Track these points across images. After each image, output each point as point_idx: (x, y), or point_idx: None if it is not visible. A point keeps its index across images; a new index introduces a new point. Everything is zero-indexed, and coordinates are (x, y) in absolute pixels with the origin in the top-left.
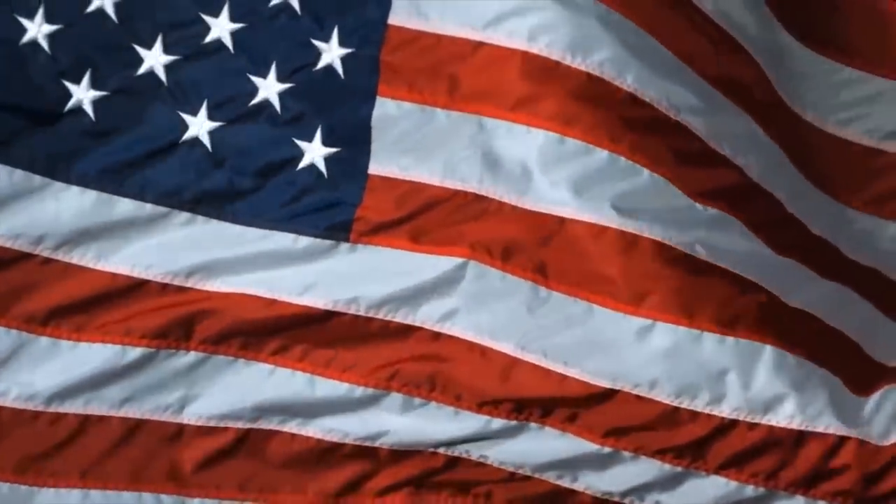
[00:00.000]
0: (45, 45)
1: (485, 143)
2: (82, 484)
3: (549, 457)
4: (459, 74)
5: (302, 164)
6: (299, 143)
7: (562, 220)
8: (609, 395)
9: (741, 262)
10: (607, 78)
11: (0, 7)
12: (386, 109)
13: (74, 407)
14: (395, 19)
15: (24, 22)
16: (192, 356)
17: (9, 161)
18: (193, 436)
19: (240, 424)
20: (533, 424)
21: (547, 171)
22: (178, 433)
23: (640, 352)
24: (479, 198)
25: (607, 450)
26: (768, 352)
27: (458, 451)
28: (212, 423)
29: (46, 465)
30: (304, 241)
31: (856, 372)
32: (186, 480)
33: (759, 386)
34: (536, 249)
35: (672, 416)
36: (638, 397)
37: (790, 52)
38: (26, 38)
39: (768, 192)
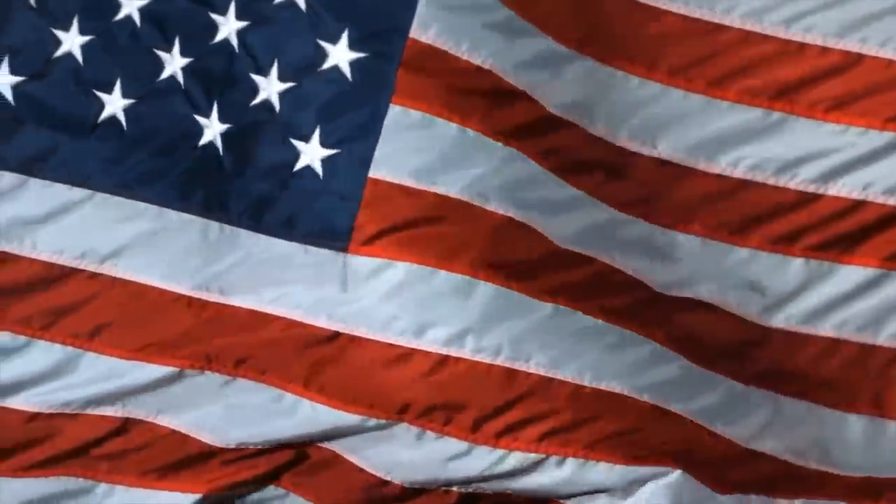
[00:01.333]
0: (79, 56)
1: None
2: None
3: (570, 489)
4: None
5: (299, 166)
6: (296, 143)
7: None
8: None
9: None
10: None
11: (38, 21)
12: (398, 117)
13: (113, 410)
14: (416, 32)
15: (60, 34)
16: (217, 378)
17: (47, 175)
18: (225, 452)
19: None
20: (553, 457)
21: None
22: (210, 452)
23: None
24: (485, 212)
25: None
26: None
27: (472, 487)
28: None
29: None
30: (306, 251)
31: None
32: (214, 472)
33: None
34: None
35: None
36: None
37: None
38: (60, 52)
39: None
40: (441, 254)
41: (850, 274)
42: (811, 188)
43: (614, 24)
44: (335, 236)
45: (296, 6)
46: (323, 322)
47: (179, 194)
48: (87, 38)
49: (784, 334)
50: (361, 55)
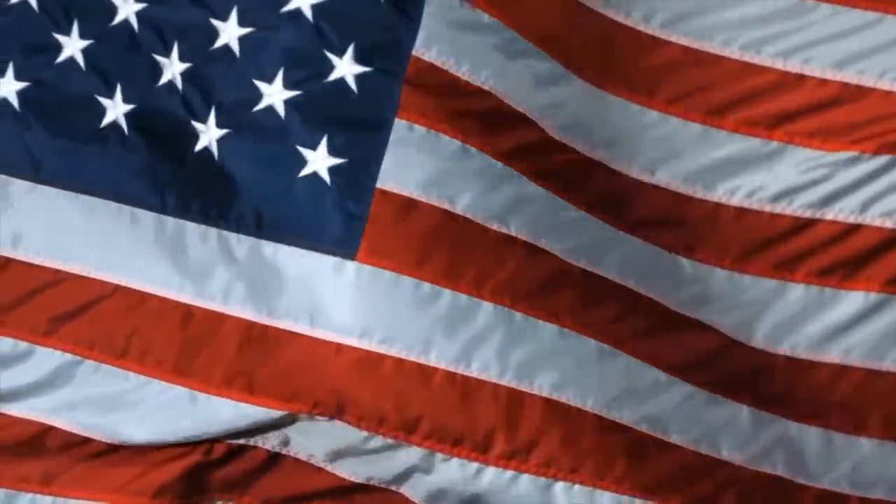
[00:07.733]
0: (81, 61)
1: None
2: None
3: None
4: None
5: (304, 172)
6: (303, 151)
7: None
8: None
9: None
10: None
11: (38, 24)
12: (403, 131)
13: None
14: (419, 51)
15: (61, 39)
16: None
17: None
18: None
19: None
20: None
21: None
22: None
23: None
24: (487, 229)
25: None
26: None
27: None
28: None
29: None
30: (310, 257)
31: None
32: None
33: None
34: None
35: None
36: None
37: None
38: (63, 56)
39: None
40: (445, 271)
41: (852, 300)
42: (807, 213)
43: (615, 51)
44: (342, 243)
45: (303, 16)
46: (325, 335)
47: (172, 198)
48: (87, 42)
49: (790, 360)
50: (366, 69)
